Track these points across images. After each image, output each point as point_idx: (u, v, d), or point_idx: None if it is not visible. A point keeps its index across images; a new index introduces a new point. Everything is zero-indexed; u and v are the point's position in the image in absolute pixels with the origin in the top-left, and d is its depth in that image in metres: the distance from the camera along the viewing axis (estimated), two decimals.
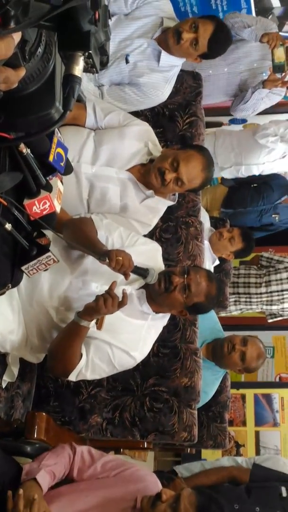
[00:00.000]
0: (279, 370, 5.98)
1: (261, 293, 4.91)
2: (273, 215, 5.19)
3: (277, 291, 4.90)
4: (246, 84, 4.26)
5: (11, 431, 2.46)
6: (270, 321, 5.22)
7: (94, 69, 1.19)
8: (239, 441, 5.37)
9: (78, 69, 1.14)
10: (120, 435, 2.90)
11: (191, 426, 2.93)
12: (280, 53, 3.90)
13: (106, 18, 1.20)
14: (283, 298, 4.90)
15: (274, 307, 4.95)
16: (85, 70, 1.17)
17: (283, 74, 3.97)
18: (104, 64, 1.24)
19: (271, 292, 4.91)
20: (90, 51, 1.13)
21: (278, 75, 4.02)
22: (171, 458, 5.18)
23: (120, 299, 2.35)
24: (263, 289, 4.92)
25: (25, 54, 1.15)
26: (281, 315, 5.12)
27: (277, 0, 4.55)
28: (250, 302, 4.96)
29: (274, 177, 5.16)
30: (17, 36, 1.07)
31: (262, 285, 4.93)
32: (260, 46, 4.11)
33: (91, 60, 1.16)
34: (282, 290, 4.89)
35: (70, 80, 1.14)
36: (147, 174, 2.92)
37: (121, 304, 2.34)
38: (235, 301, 4.96)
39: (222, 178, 5.29)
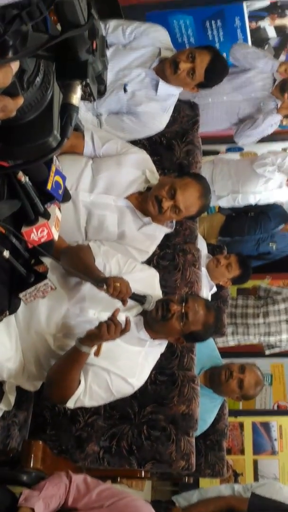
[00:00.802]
0: (277, 398, 5.94)
1: (258, 324, 4.89)
2: (270, 244, 5.20)
3: (275, 322, 4.88)
4: (246, 113, 4.33)
5: (7, 460, 2.44)
6: (267, 352, 5.17)
7: (92, 98, 1.21)
8: (237, 470, 5.31)
9: (76, 97, 1.16)
10: (117, 464, 2.86)
11: (189, 455, 2.90)
12: None
13: (104, 47, 1.22)
14: (280, 329, 4.88)
15: (272, 338, 4.91)
16: (83, 98, 1.19)
17: None
18: (101, 93, 1.26)
19: (268, 323, 4.89)
20: (88, 80, 1.15)
21: None
22: (169, 487, 5.12)
23: (123, 326, 2.35)
24: (260, 320, 4.90)
25: (23, 83, 1.16)
26: (278, 347, 5.07)
27: (273, 30, 4.61)
28: (248, 332, 4.93)
29: (271, 206, 5.19)
30: (15, 66, 1.08)
31: (259, 315, 4.91)
32: (259, 76, 4.19)
33: (88, 88, 1.18)
34: (279, 321, 4.87)
35: (68, 109, 1.15)
36: (145, 202, 2.94)
37: (124, 331, 2.34)
38: (233, 331, 4.94)
39: (220, 207, 5.33)
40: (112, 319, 2.34)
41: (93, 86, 1.19)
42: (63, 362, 2.43)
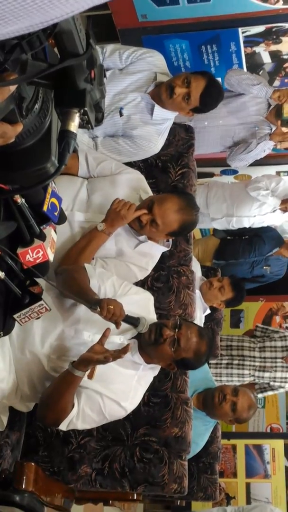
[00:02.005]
0: (270, 420, 5.93)
1: (254, 357, 4.86)
2: (264, 267, 5.23)
3: (271, 358, 4.84)
4: (240, 136, 4.38)
5: None
6: (259, 396, 5.15)
7: (90, 125, 1.23)
8: (230, 493, 5.29)
9: (74, 125, 1.18)
10: (109, 486, 2.85)
11: (181, 478, 2.89)
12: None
13: (102, 76, 1.25)
14: (276, 366, 4.85)
15: (266, 374, 4.86)
16: (81, 126, 1.21)
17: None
18: (99, 121, 1.28)
19: (264, 358, 4.85)
20: (86, 108, 1.18)
21: (286, 129, 4.18)
22: (161, 510, 5.09)
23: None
24: (256, 353, 4.87)
25: (22, 110, 1.19)
26: (271, 388, 5.04)
27: (268, 56, 4.67)
28: (243, 365, 4.86)
29: (266, 229, 5.22)
30: (12, 87, 1.10)
31: (255, 349, 4.90)
32: (254, 101, 4.24)
33: (86, 116, 1.20)
34: (275, 358, 4.84)
35: (65, 136, 1.17)
36: (141, 227, 2.97)
37: (118, 355, 2.33)
38: (228, 363, 4.89)
39: (214, 230, 5.36)
40: (102, 340, 2.35)
41: (91, 114, 1.21)
42: (57, 385, 2.42)
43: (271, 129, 4.30)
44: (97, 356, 2.30)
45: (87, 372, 2.36)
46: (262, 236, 5.20)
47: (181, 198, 2.97)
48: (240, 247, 5.18)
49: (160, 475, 2.87)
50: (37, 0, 0.66)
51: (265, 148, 4.34)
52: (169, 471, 2.88)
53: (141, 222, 2.88)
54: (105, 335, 2.37)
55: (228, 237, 5.29)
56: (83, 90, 1.16)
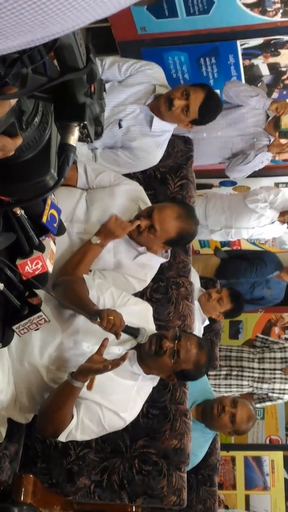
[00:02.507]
0: (269, 432, 5.91)
1: (253, 368, 4.85)
2: (265, 289, 5.24)
3: (270, 369, 4.82)
4: (239, 148, 4.39)
5: None
6: (258, 406, 5.14)
7: (89, 139, 1.24)
8: (229, 505, 5.26)
9: (73, 138, 1.19)
10: (108, 498, 2.84)
11: (181, 490, 2.88)
12: (286, 120, 4.10)
13: (101, 90, 1.26)
14: (274, 378, 4.83)
15: (265, 386, 4.84)
16: (80, 139, 1.22)
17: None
18: (98, 134, 1.29)
19: (263, 369, 4.83)
20: (85, 122, 1.18)
21: (284, 141, 4.20)
22: None
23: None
24: (255, 364, 4.86)
25: (22, 123, 1.19)
26: (269, 399, 5.03)
27: (266, 68, 4.69)
28: (242, 376, 4.84)
29: (267, 253, 5.28)
30: (12, 101, 1.11)
31: (255, 360, 4.88)
32: (252, 112, 4.26)
33: (86, 130, 1.21)
34: (274, 369, 4.81)
35: (65, 149, 1.18)
36: (139, 233, 2.98)
37: (117, 364, 2.32)
38: (226, 374, 4.87)
39: (215, 249, 5.38)
40: (100, 350, 2.36)
41: (90, 128, 1.22)
42: (56, 397, 2.42)
43: (270, 141, 4.31)
44: (96, 365, 2.30)
45: (86, 383, 2.36)
46: (264, 259, 5.24)
47: (181, 207, 3.01)
48: (241, 266, 5.20)
49: (159, 487, 2.86)
50: (38, 16, 0.67)
51: (263, 159, 4.36)
52: (168, 483, 2.87)
53: (139, 228, 2.89)
54: (103, 345, 2.37)
55: (229, 258, 5.33)
56: (83, 104, 1.17)
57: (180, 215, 2.93)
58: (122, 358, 2.33)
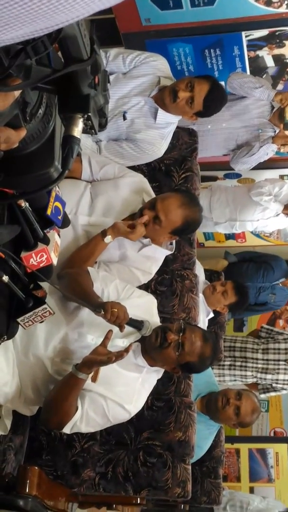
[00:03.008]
0: (274, 424, 5.92)
1: (257, 359, 4.85)
2: (270, 295, 5.25)
3: (274, 360, 4.83)
4: (244, 139, 4.38)
5: (2, 485, 2.42)
6: (262, 396, 5.13)
7: (93, 131, 1.23)
8: None
9: (77, 130, 1.18)
10: (113, 490, 2.85)
11: (185, 482, 2.89)
12: None
13: (106, 82, 1.25)
14: (278, 368, 4.83)
15: (268, 376, 4.85)
16: (84, 131, 1.21)
17: None
18: (102, 126, 1.28)
19: (267, 360, 4.84)
20: (89, 114, 1.18)
21: None
22: None
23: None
24: (259, 355, 4.86)
25: (26, 115, 1.19)
26: (274, 389, 5.03)
27: (271, 59, 4.67)
28: (246, 367, 4.85)
29: (276, 258, 5.27)
30: (16, 93, 1.11)
31: (258, 351, 4.88)
32: (257, 103, 4.24)
33: (90, 122, 1.20)
34: (278, 360, 4.82)
35: (69, 141, 1.18)
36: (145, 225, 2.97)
37: (120, 355, 2.31)
38: (230, 364, 4.87)
39: (226, 253, 5.38)
40: (104, 342, 2.36)
41: (94, 120, 1.21)
42: (60, 388, 2.42)
43: (275, 132, 4.30)
44: (100, 357, 2.30)
45: (91, 375, 2.36)
46: (271, 264, 5.23)
47: (183, 195, 3.01)
48: (248, 270, 5.21)
49: (164, 479, 2.87)
50: (42, 6, 0.66)
51: (268, 151, 4.34)
52: (173, 475, 2.88)
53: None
54: (107, 337, 2.37)
55: (237, 261, 5.33)
56: (87, 95, 1.17)
57: (183, 203, 2.92)
58: (126, 350, 2.33)
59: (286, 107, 4.12)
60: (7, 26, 0.70)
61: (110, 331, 2.40)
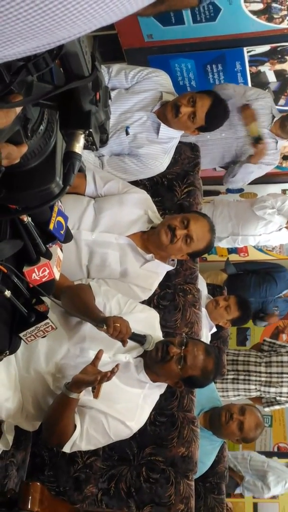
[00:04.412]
0: (278, 439, 5.89)
1: (260, 372, 4.83)
2: (274, 308, 5.24)
3: (277, 373, 4.81)
4: (243, 149, 4.36)
5: (4, 501, 2.41)
6: (266, 409, 5.10)
7: (94, 147, 1.24)
8: None
9: (79, 146, 1.19)
10: (115, 507, 2.83)
11: (188, 498, 2.87)
12: (253, 127, 4.07)
13: (107, 98, 1.25)
14: (282, 381, 4.80)
15: (272, 389, 4.82)
16: (85, 147, 1.22)
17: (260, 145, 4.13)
18: (104, 142, 1.29)
19: (270, 373, 4.82)
20: (91, 130, 1.18)
21: (261, 146, 4.17)
22: None
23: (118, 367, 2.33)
24: (262, 369, 4.84)
25: (28, 131, 1.19)
26: (278, 402, 5.00)
27: (273, 75, 4.70)
28: (249, 380, 4.83)
29: (278, 269, 5.26)
30: (18, 109, 1.11)
31: (262, 364, 4.86)
32: (258, 112, 4.22)
33: (91, 138, 1.20)
34: (282, 373, 4.79)
35: (70, 157, 1.18)
36: (148, 240, 2.97)
37: (109, 376, 2.26)
38: (233, 378, 4.86)
39: (226, 263, 5.38)
40: (94, 361, 2.31)
41: (95, 136, 1.21)
42: (55, 408, 2.41)
43: (277, 142, 4.28)
44: (88, 377, 2.26)
45: (82, 394, 2.33)
46: (274, 276, 5.23)
47: (208, 220, 3.03)
48: (251, 283, 5.21)
49: (167, 495, 2.85)
50: (44, 22, 0.67)
51: (248, 171, 4.32)
52: (176, 491, 2.86)
53: (174, 237, 2.88)
54: (97, 357, 2.34)
55: (238, 273, 5.33)
56: (88, 111, 1.17)
57: (210, 228, 2.98)
58: (112, 371, 2.26)
59: (249, 124, 4.11)
60: (9, 42, 0.71)
61: (101, 350, 2.36)
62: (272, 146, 4.28)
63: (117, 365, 2.34)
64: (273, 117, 4.28)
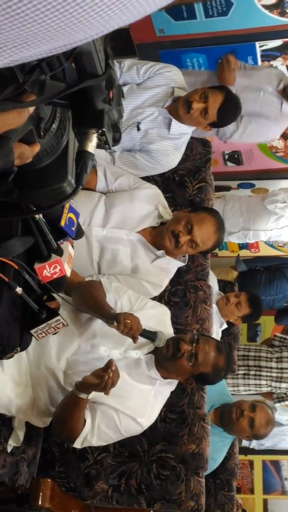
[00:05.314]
0: None
1: (271, 367, 4.80)
2: (285, 304, 5.23)
3: None
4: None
5: (14, 497, 2.42)
6: (277, 405, 5.08)
7: (107, 146, 1.23)
8: (247, 510, 5.23)
9: (91, 145, 1.18)
10: (126, 503, 2.83)
11: (199, 495, 2.87)
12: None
13: (120, 97, 1.24)
14: None
15: (283, 385, 4.78)
16: (98, 146, 1.21)
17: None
18: (116, 141, 1.27)
19: (281, 368, 4.78)
20: (104, 129, 1.17)
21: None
22: None
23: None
24: (273, 364, 4.81)
25: (40, 130, 1.18)
26: None
27: (286, 69, 4.66)
28: (260, 375, 4.80)
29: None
30: (31, 109, 1.11)
31: (273, 360, 4.84)
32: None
33: (104, 137, 1.19)
34: None
35: (83, 156, 1.17)
36: (159, 236, 2.97)
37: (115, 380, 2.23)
38: (244, 374, 4.84)
39: (236, 260, 5.36)
40: (107, 370, 2.21)
41: (108, 135, 1.20)
42: (64, 406, 2.41)
43: (281, 104, 4.13)
44: (95, 380, 2.23)
45: (92, 394, 2.32)
46: (285, 273, 5.21)
47: (216, 218, 3.00)
48: (261, 279, 5.19)
49: (177, 492, 2.85)
50: (61, 24, 0.66)
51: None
52: (186, 488, 2.85)
53: (178, 243, 2.87)
54: (111, 363, 2.23)
55: (248, 270, 5.31)
56: (101, 110, 1.16)
57: (217, 228, 2.96)
58: (117, 375, 2.24)
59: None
60: (25, 44, 0.70)
61: (111, 360, 2.26)
62: (276, 101, 4.17)
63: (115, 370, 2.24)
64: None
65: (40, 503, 2.32)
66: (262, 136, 4.43)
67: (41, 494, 2.33)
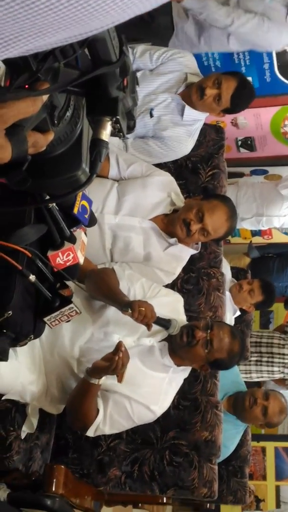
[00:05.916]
0: None
1: (284, 354, 4.80)
2: None
3: None
4: None
5: (28, 484, 2.43)
6: None
7: (121, 134, 1.22)
8: (259, 496, 5.25)
9: (106, 133, 1.16)
10: (139, 490, 2.85)
11: (211, 482, 2.87)
12: None
13: (134, 84, 1.23)
14: None
15: None
16: (112, 134, 1.20)
17: None
18: (131, 128, 1.26)
19: None
20: (118, 117, 1.16)
21: None
22: None
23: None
24: (286, 351, 4.81)
25: (54, 118, 1.17)
26: None
27: None
28: (272, 362, 4.80)
29: None
30: (44, 97, 1.10)
31: (285, 346, 4.83)
32: None
33: (118, 125, 1.18)
34: None
35: (97, 144, 1.16)
36: (171, 224, 2.96)
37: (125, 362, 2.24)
38: (257, 360, 4.83)
39: (249, 247, 5.33)
40: (117, 352, 2.24)
41: (123, 123, 1.19)
42: (76, 393, 2.42)
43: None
44: (105, 364, 2.25)
45: (102, 379, 2.32)
46: None
47: (228, 205, 2.99)
48: (274, 266, 5.17)
49: (190, 479, 2.85)
50: (77, 12, 0.65)
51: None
52: (199, 475, 2.86)
53: (189, 231, 2.86)
54: (120, 345, 2.26)
55: (260, 256, 5.29)
56: (115, 98, 1.14)
57: (229, 216, 2.95)
58: (127, 356, 2.25)
59: None
60: (40, 33, 0.69)
61: (121, 342, 2.30)
62: (282, 9, 3.76)
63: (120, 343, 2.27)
64: None
65: (53, 489, 2.33)
66: (263, 39, 3.87)
67: (54, 480, 2.34)
